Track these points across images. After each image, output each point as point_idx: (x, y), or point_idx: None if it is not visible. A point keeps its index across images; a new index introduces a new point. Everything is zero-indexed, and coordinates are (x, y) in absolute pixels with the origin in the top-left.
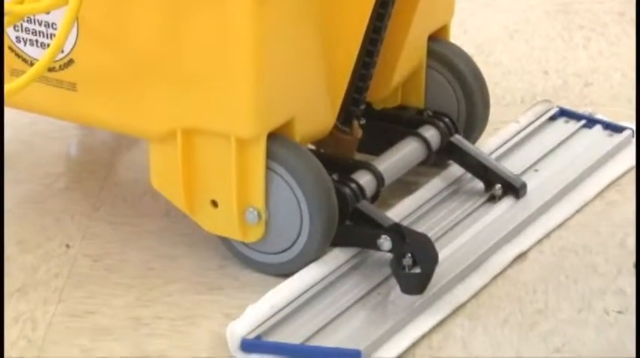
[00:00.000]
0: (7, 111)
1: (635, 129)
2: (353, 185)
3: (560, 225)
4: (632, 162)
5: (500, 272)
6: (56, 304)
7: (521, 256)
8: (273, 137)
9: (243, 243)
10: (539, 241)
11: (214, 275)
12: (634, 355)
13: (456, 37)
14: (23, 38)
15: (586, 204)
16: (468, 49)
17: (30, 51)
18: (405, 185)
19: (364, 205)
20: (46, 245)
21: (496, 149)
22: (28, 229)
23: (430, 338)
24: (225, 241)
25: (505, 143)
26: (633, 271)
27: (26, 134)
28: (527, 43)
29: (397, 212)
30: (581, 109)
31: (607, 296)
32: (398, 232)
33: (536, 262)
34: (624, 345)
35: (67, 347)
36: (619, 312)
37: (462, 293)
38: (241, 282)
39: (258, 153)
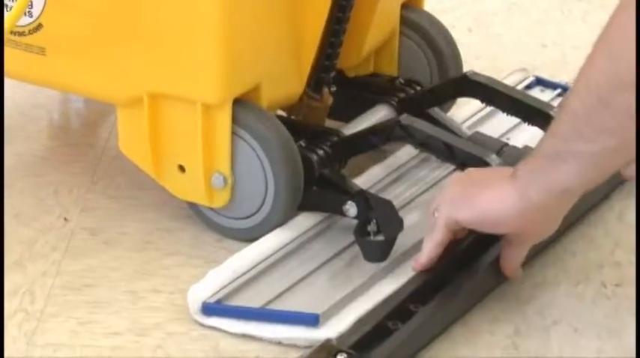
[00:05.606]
0: (5, 84)
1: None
2: (320, 151)
3: None
4: None
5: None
6: (54, 277)
7: None
8: (240, 103)
9: (211, 208)
10: None
11: (211, 249)
12: (631, 328)
13: (454, 9)
14: None
15: None
16: (466, 21)
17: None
18: (375, 152)
19: (330, 171)
20: (44, 218)
21: (469, 117)
22: (26, 202)
23: None
24: (193, 206)
25: (478, 111)
26: (631, 245)
27: (25, 107)
28: (526, 15)
29: (366, 179)
30: None
31: (604, 270)
32: (363, 198)
33: None
34: (621, 318)
35: (65, 320)
36: (616, 285)
37: None
38: None
39: (223, 119)
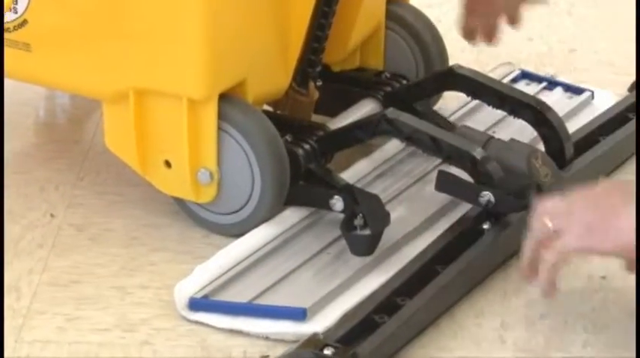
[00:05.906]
0: None
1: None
2: (306, 146)
3: None
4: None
5: None
6: (40, 274)
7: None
8: (225, 98)
9: (197, 204)
10: None
11: (198, 245)
12: (617, 321)
13: (440, 3)
14: None
15: None
16: (452, 15)
17: None
18: (361, 147)
19: (317, 166)
20: (30, 215)
21: (455, 111)
22: (12, 199)
23: None
24: (179, 201)
25: (464, 105)
26: None
27: (10, 103)
28: None
29: (352, 173)
30: (565, 75)
31: (591, 263)
32: (350, 193)
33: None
34: (608, 310)
35: (52, 316)
36: (603, 278)
37: (410, 253)
38: None
39: (209, 114)
